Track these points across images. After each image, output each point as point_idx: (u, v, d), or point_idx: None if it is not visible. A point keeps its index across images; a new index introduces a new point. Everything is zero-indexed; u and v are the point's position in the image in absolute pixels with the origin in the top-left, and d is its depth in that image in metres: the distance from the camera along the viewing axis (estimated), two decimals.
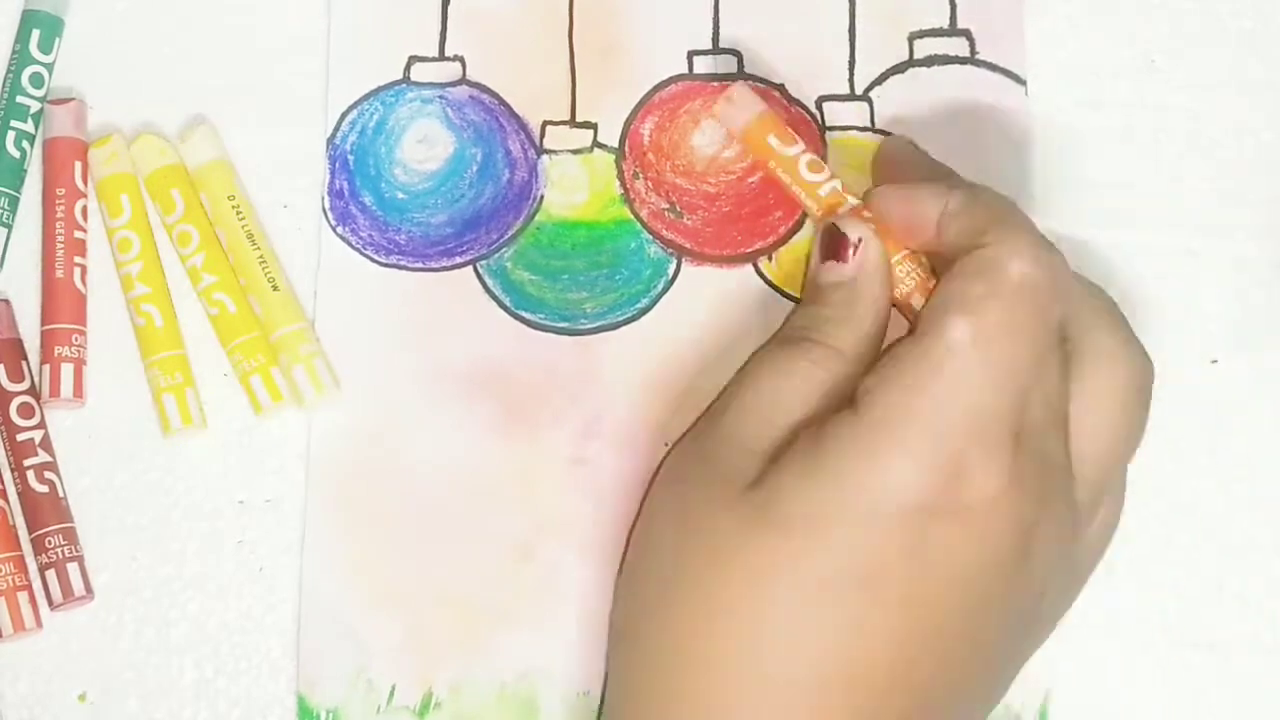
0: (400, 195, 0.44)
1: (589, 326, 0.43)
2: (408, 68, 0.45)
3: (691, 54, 0.45)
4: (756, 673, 0.34)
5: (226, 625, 0.42)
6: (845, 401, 0.36)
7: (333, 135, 0.44)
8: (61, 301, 0.42)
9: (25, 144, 0.43)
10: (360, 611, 0.41)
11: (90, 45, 0.45)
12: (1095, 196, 0.44)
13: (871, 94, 0.44)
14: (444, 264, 0.44)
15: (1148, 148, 0.44)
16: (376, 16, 0.45)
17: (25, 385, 0.42)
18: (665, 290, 0.43)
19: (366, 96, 0.44)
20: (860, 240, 0.38)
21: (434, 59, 0.45)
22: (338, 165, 0.44)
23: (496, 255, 0.44)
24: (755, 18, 0.45)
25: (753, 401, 0.37)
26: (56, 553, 0.41)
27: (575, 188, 0.44)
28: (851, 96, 0.44)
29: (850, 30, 0.45)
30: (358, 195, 0.44)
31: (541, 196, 0.44)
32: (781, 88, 0.44)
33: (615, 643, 0.38)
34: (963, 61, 0.45)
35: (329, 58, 0.44)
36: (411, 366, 0.43)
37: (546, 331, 0.43)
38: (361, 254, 0.44)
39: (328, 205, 0.44)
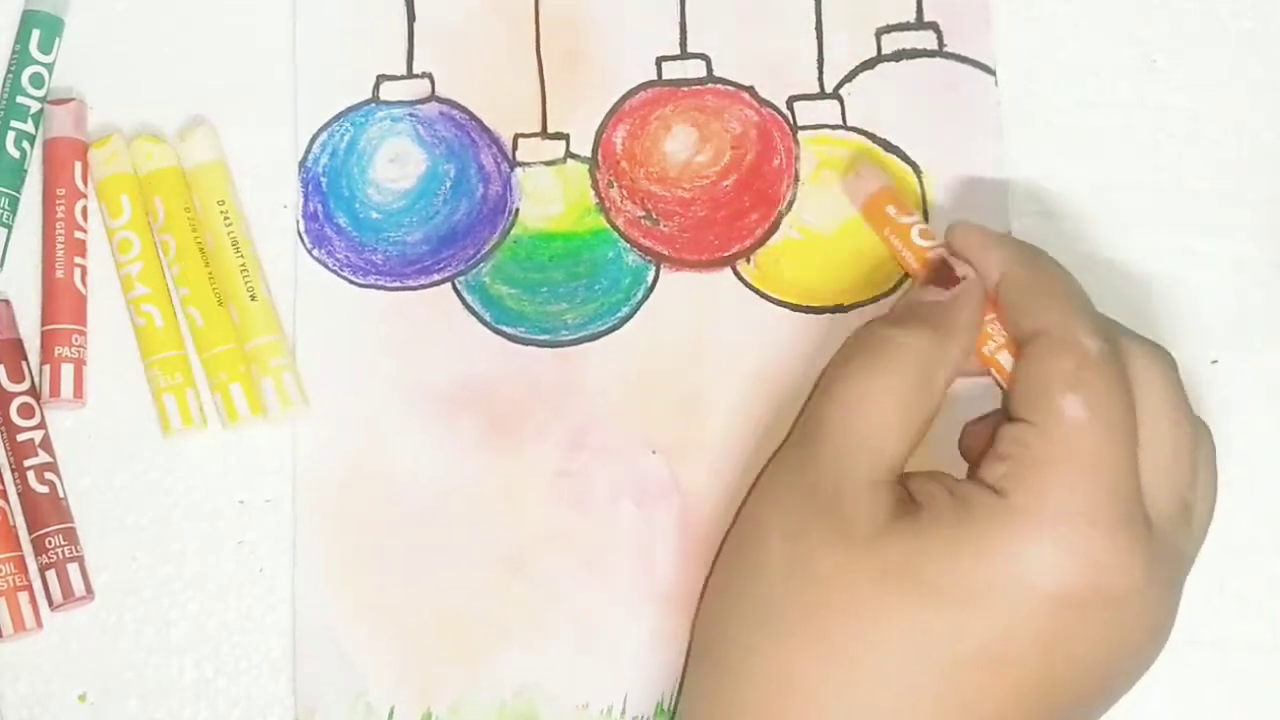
0: (375, 215, 0.44)
1: (570, 338, 0.43)
2: (376, 87, 0.44)
3: (660, 60, 0.45)
4: None
5: (226, 625, 0.42)
6: (933, 410, 0.37)
7: (304, 158, 0.44)
8: (62, 302, 0.42)
9: (25, 144, 0.43)
10: (355, 634, 0.41)
11: (90, 45, 0.45)
12: (1095, 196, 0.44)
13: (842, 91, 0.44)
14: (422, 282, 0.43)
15: (1148, 148, 0.44)
16: (342, 37, 0.45)
17: (25, 385, 0.42)
18: (645, 298, 0.43)
19: (336, 118, 0.44)
20: (965, 276, 0.38)
21: (402, 77, 0.44)
22: (311, 188, 0.44)
23: (474, 271, 0.44)
24: (722, 21, 0.45)
25: (855, 423, 0.36)
26: (57, 553, 0.41)
27: (550, 199, 0.44)
28: (822, 95, 0.44)
29: (817, 28, 0.45)
30: (332, 217, 0.44)
31: (517, 210, 0.44)
32: (751, 89, 0.44)
33: (702, 661, 0.38)
34: (931, 54, 0.45)
35: (296, 81, 0.44)
36: (394, 386, 0.43)
37: (528, 345, 0.43)
38: (339, 275, 0.43)
39: (303, 228, 0.44)
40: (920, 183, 0.44)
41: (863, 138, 0.44)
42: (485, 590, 0.42)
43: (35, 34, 0.43)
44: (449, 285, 0.43)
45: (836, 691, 0.34)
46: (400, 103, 0.44)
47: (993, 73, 0.44)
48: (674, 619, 0.42)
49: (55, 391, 0.42)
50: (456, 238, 0.44)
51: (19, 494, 0.41)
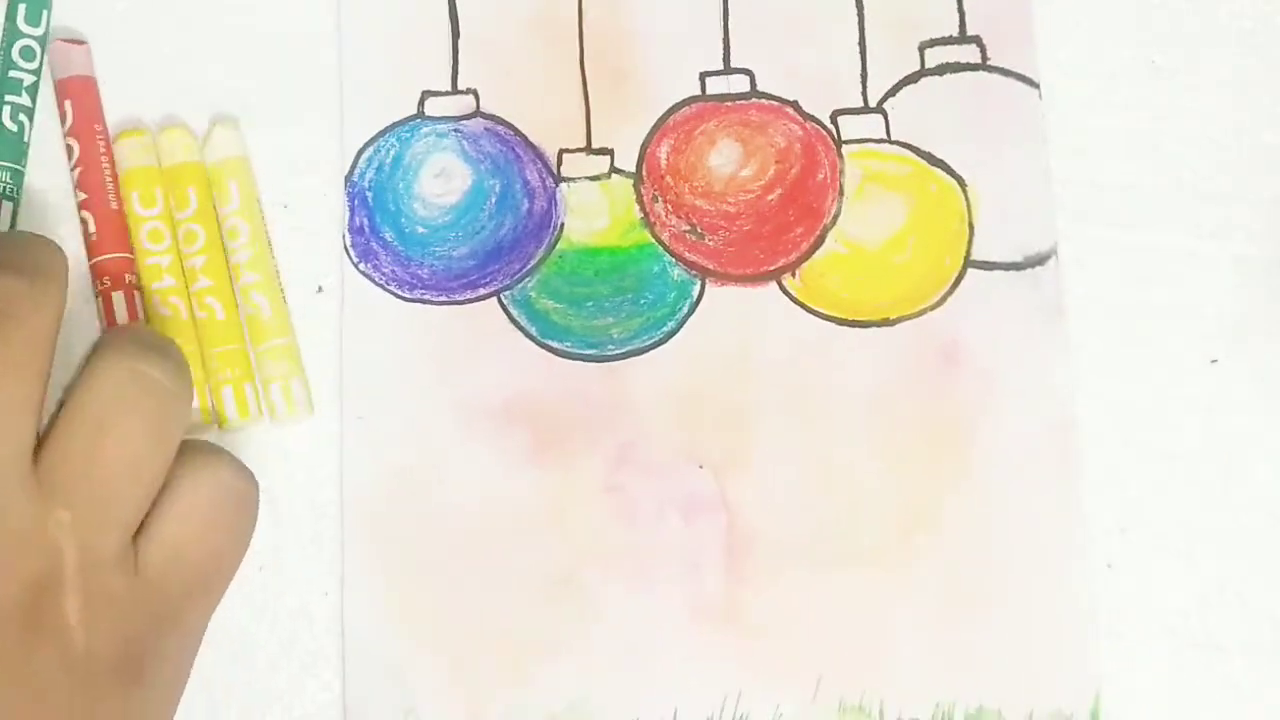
0: (421, 230, 0.44)
1: (616, 352, 0.43)
2: (421, 102, 0.45)
3: (704, 75, 0.45)
4: None
5: (226, 625, 0.42)
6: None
7: (350, 172, 0.44)
8: (119, 230, 0.43)
9: (23, 117, 0.43)
10: (404, 652, 0.41)
11: (131, 62, 0.45)
12: (1096, 196, 0.44)
13: (885, 105, 0.44)
14: (468, 296, 0.43)
15: (1148, 148, 0.44)
16: (387, 53, 0.45)
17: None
18: (690, 312, 0.43)
19: (382, 133, 0.44)
20: None
21: (447, 93, 0.45)
22: (357, 202, 0.44)
23: (520, 285, 0.44)
24: (766, 36, 0.45)
25: None
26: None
27: (595, 214, 0.44)
28: (865, 109, 0.44)
29: (860, 43, 0.45)
30: (378, 231, 0.44)
31: (562, 224, 0.44)
32: (795, 104, 0.44)
33: None
34: (974, 68, 0.45)
35: (342, 96, 0.44)
36: (440, 400, 0.43)
37: (574, 360, 0.43)
38: (385, 289, 0.43)
39: (349, 242, 0.44)
40: (965, 196, 0.44)
41: (907, 151, 0.44)
42: (534, 605, 0.41)
43: (21, 8, 0.43)
44: (495, 300, 0.43)
45: None
46: (445, 118, 0.44)
47: (1036, 86, 0.44)
48: (721, 633, 0.41)
49: (111, 321, 0.42)
50: (502, 253, 0.44)
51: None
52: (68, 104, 0.43)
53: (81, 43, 0.44)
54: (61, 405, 0.37)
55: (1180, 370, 0.43)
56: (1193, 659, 0.42)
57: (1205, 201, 0.44)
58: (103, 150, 0.43)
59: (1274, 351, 0.43)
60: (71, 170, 0.43)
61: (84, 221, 0.43)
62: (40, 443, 0.36)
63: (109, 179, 0.43)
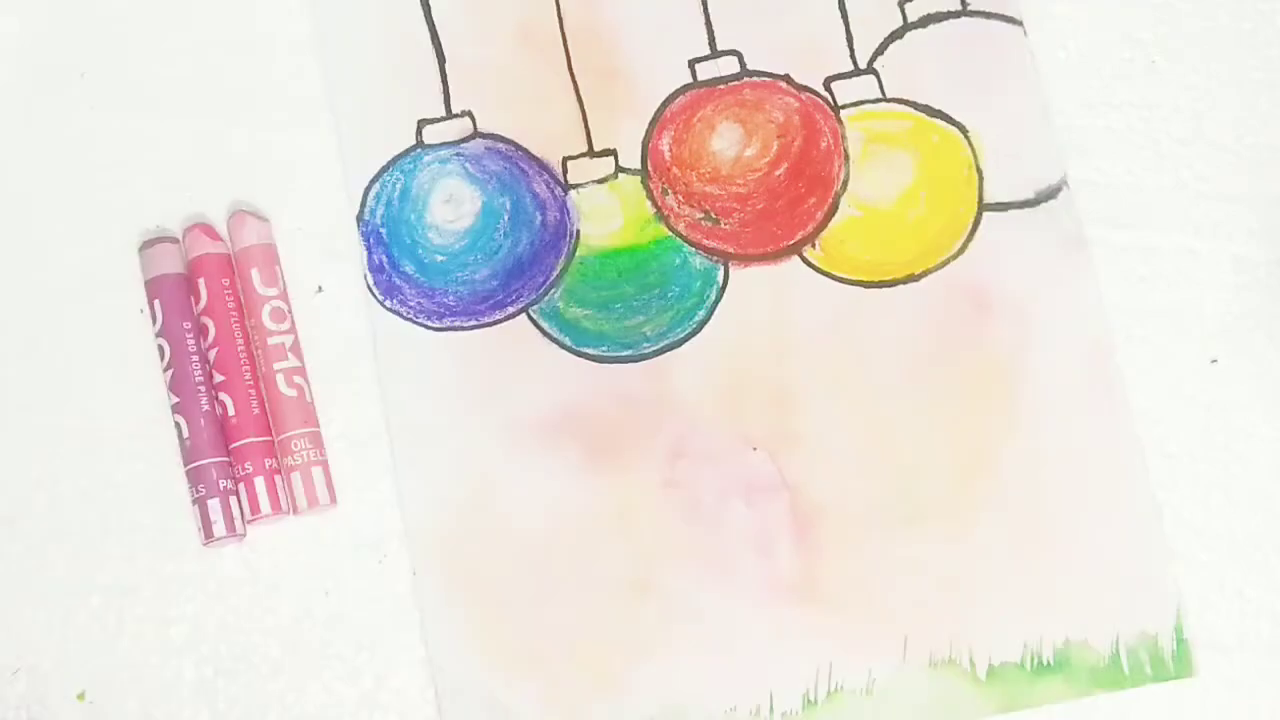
0: (439, 258, 0.44)
1: (652, 349, 0.43)
2: (419, 131, 0.44)
3: (693, 62, 0.45)
4: None
5: (226, 625, 0.42)
6: None
7: (360, 212, 0.44)
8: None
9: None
10: (496, 677, 0.41)
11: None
12: (1096, 197, 0.44)
13: (875, 65, 0.45)
14: (497, 316, 0.43)
15: (1148, 148, 0.45)
16: (374, 87, 0.44)
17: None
18: (719, 298, 0.43)
19: (385, 168, 0.44)
20: None
21: (443, 118, 0.44)
22: (372, 240, 0.44)
23: (547, 298, 0.43)
24: (747, 14, 0.45)
25: None
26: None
27: (608, 216, 0.44)
28: (857, 72, 0.45)
29: (841, 6, 0.45)
30: (398, 266, 0.44)
31: (577, 231, 0.44)
32: (787, 77, 0.45)
33: None
34: (956, 15, 0.45)
35: (340, 138, 0.44)
36: (487, 424, 0.43)
37: (612, 363, 0.43)
38: (414, 323, 0.43)
39: (371, 282, 0.43)
40: (969, 142, 0.44)
41: (905, 107, 0.44)
42: (613, 612, 0.41)
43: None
44: (524, 316, 0.43)
45: None
46: (445, 144, 0.44)
47: (1020, 23, 0.45)
48: (803, 609, 0.42)
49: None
50: (524, 268, 0.44)
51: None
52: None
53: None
54: None
55: (1180, 370, 0.43)
56: (1191, 659, 0.42)
57: (1205, 201, 0.44)
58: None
59: (1274, 351, 0.43)
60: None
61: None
62: None
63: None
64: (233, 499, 0.42)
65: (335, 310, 0.43)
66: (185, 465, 0.42)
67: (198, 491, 0.42)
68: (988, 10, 0.45)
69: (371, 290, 0.43)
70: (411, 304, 0.43)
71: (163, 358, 0.42)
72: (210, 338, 0.42)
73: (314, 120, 0.44)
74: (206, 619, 0.42)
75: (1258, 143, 0.45)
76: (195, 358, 0.42)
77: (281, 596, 0.42)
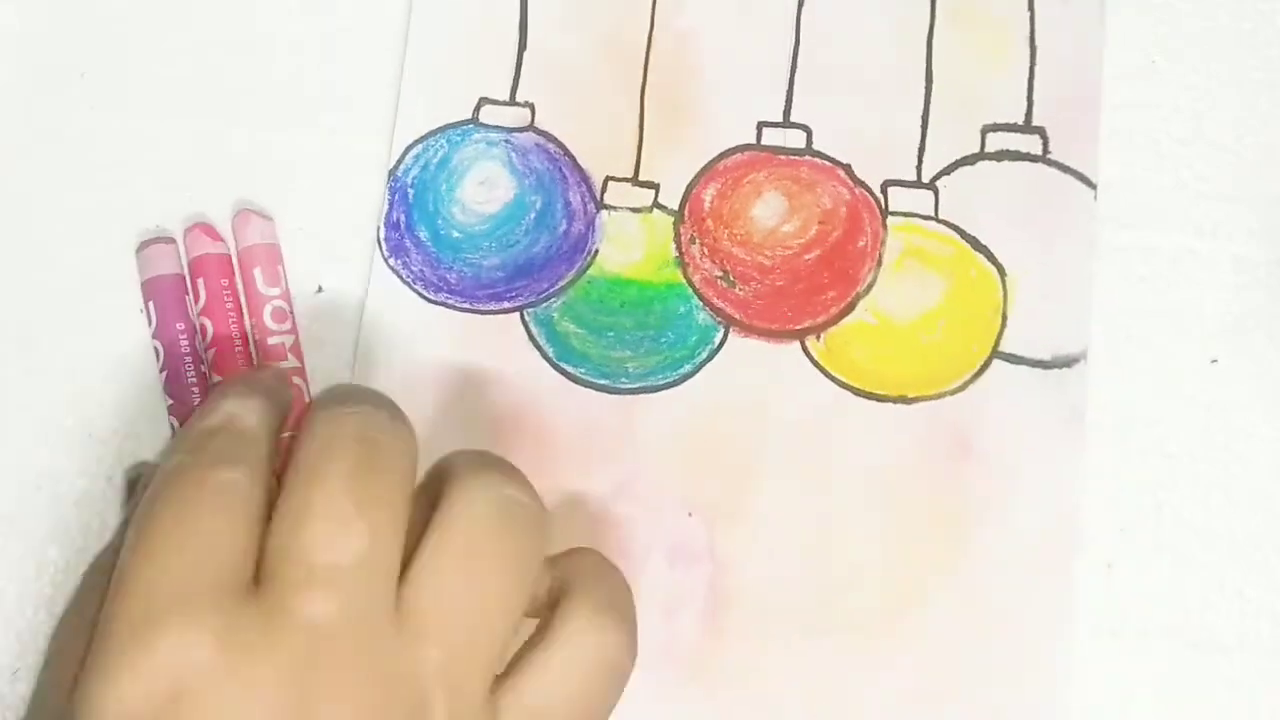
0: (455, 234, 0.44)
1: (629, 386, 0.43)
2: (477, 109, 0.45)
3: (761, 125, 0.44)
4: None
5: None
6: None
7: (395, 167, 0.44)
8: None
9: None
10: None
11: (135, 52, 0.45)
12: (1095, 196, 0.43)
13: (938, 183, 0.44)
14: (491, 307, 0.43)
15: (1148, 148, 0.44)
16: (452, 55, 0.45)
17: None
18: (710, 358, 0.43)
19: (433, 133, 0.44)
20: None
21: (505, 103, 0.45)
22: (397, 197, 0.44)
23: (545, 305, 0.43)
24: (829, 95, 0.45)
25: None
26: None
27: (631, 246, 0.44)
28: (918, 184, 0.44)
29: (924, 116, 0.44)
30: (414, 229, 0.44)
31: (596, 251, 0.44)
32: (848, 167, 0.44)
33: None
34: (1034, 159, 0.44)
35: (400, 90, 0.44)
36: (448, 406, 0.43)
37: (586, 387, 0.43)
38: (410, 288, 0.43)
39: (383, 235, 0.44)
40: (1004, 286, 0.43)
41: (952, 232, 0.44)
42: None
43: (257, 273, 0.43)
44: (517, 315, 0.43)
45: None
46: (499, 128, 0.44)
47: (1094, 186, 0.44)
48: (688, 683, 0.41)
49: None
50: (533, 269, 0.44)
51: None
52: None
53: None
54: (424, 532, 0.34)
55: (1180, 370, 0.42)
56: (1192, 659, 0.41)
57: (1205, 201, 0.44)
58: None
59: (1274, 351, 0.43)
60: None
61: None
62: (402, 574, 0.34)
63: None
64: None
65: (335, 311, 0.44)
66: None
67: None
68: (1066, 164, 0.44)
69: (380, 243, 0.44)
70: (414, 269, 0.44)
71: (157, 358, 0.42)
72: (208, 338, 0.42)
73: (315, 120, 0.44)
74: None
75: (1258, 143, 0.44)
76: (189, 359, 0.42)
77: None
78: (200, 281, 0.43)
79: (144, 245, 0.43)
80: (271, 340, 0.42)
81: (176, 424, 0.42)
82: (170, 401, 0.42)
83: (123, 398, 0.43)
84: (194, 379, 0.42)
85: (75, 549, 0.42)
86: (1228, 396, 0.43)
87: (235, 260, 0.43)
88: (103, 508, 0.42)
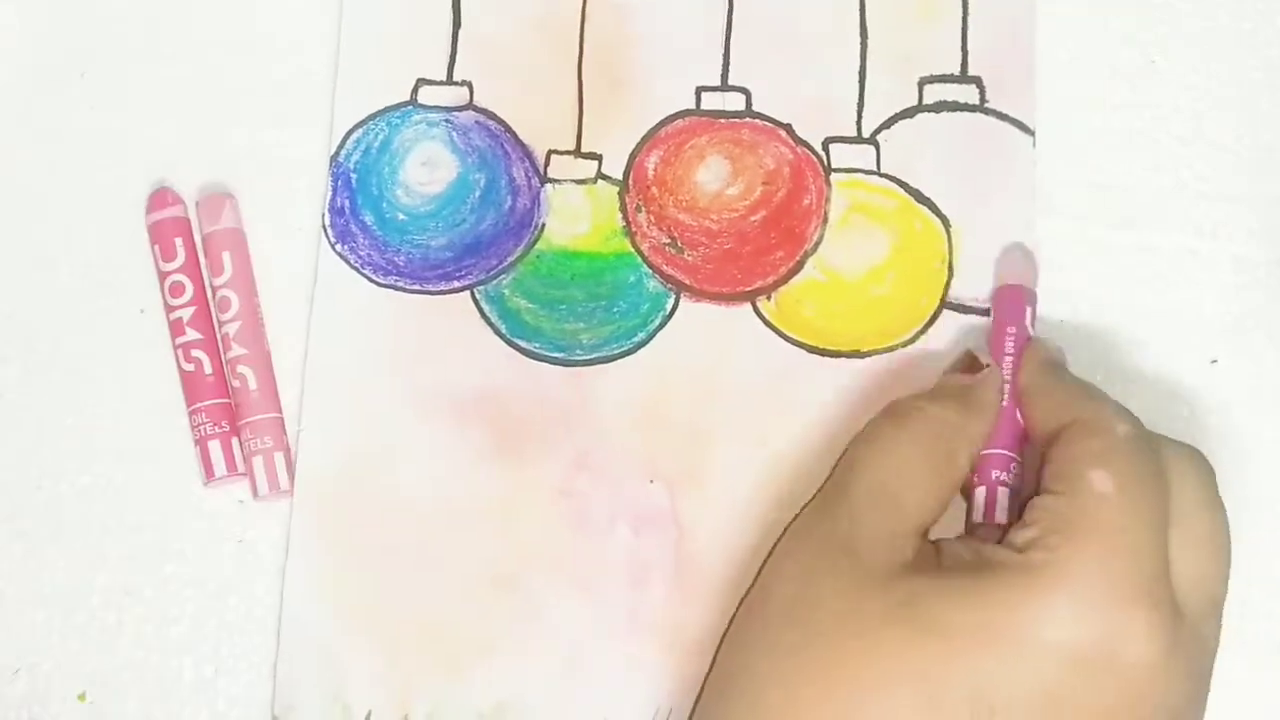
0: (401, 216, 0.44)
1: (584, 358, 0.43)
2: (415, 90, 0.44)
3: (700, 89, 0.45)
4: None
5: (226, 625, 0.42)
6: (955, 479, 0.38)
7: (336, 152, 0.44)
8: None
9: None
10: (340, 635, 0.41)
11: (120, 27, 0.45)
12: (1096, 197, 0.44)
13: (879, 137, 0.44)
14: (441, 288, 0.43)
15: (1148, 148, 0.44)
16: (386, 38, 0.45)
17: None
18: (662, 325, 0.43)
19: (373, 116, 0.44)
20: (989, 366, 0.40)
21: (442, 83, 0.45)
22: (340, 183, 0.44)
23: (495, 282, 0.43)
24: (766, 56, 0.45)
25: (878, 478, 0.37)
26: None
27: (577, 218, 0.44)
28: (858, 139, 0.44)
29: (860, 73, 0.45)
30: (359, 214, 0.44)
31: (543, 225, 0.44)
32: (789, 127, 0.44)
33: (716, 697, 0.37)
34: (972, 109, 0.44)
35: (337, 75, 0.44)
36: (403, 389, 0.43)
37: (541, 361, 0.43)
38: (359, 273, 0.43)
39: (328, 222, 0.44)
40: (948, 236, 0.44)
41: (895, 185, 0.44)
42: (474, 602, 0.41)
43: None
44: (468, 294, 0.43)
45: (826, 717, 0.34)
46: (438, 108, 0.44)
47: (1031, 133, 0.44)
48: (659, 649, 0.41)
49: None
50: (480, 247, 0.44)
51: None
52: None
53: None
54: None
55: (1180, 370, 0.43)
56: None
57: (1205, 201, 0.44)
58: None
59: (1274, 351, 0.43)
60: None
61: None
62: None
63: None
64: (235, 442, 0.43)
65: (286, 299, 0.44)
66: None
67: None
68: (1003, 112, 0.44)
69: (325, 230, 0.44)
70: (361, 254, 0.44)
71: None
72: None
73: (315, 120, 0.44)
74: (206, 619, 0.42)
75: (1258, 143, 0.44)
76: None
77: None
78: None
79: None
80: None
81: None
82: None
83: (123, 397, 0.43)
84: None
85: (75, 549, 0.42)
86: (1228, 396, 0.43)
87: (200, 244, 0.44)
88: (103, 508, 0.42)
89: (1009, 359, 0.40)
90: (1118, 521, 0.35)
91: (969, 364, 0.41)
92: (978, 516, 0.39)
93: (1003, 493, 0.39)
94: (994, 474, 0.39)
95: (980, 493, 0.39)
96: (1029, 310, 0.42)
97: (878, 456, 0.38)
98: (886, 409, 0.39)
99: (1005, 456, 0.39)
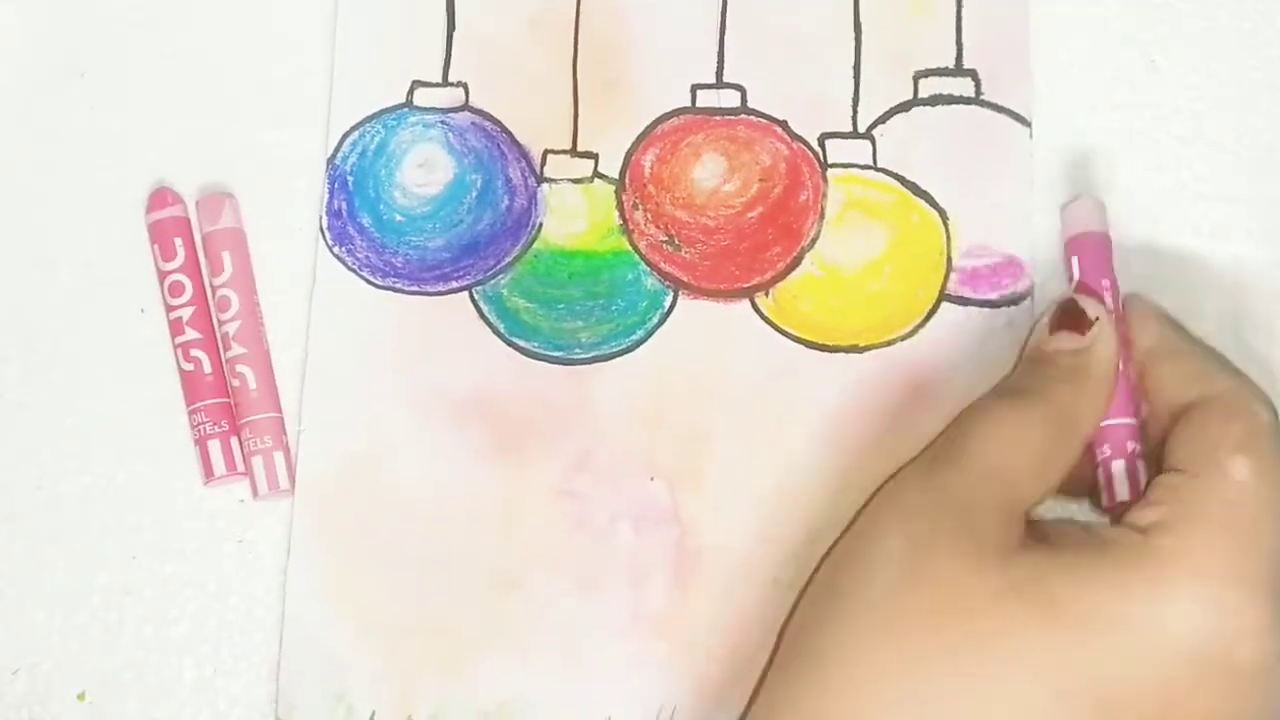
0: (399, 218, 0.44)
1: (583, 357, 0.43)
2: (411, 92, 0.45)
3: (695, 87, 0.45)
4: None
5: (226, 625, 0.42)
6: (1069, 463, 0.36)
7: (333, 155, 0.44)
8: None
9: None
10: (342, 636, 0.41)
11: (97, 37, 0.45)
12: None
13: (874, 132, 0.44)
14: (440, 289, 0.43)
15: (1148, 148, 0.44)
16: (381, 40, 0.45)
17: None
18: (661, 323, 0.43)
19: (369, 119, 0.44)
20: (1097, 319, 0.38)
21: (437, 84, 0.45)
22: (337, 185, 0.44)
23: (493, 282, 0.43)
24: (760, 53, 0.45)
25: (993, 457, 0.36)
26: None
27: (574, 217, 0.44)
28: (854, 134, 0.44)
29: (855, 67, 0.45)
30: (356, 216, 0.44)
31: (540, 224, 0.44)
32: (784, 123, 0.44)
33: (794, 660, 0.36)
34: (967, 101, 0.44)
35: (332, 78, 0.44)
36: (403, 390, 0.43)
37: (540, 360, 0.43)
38: (358, 275, 0.43)
39: (325, 224, 0.44)
40: (946, 229, 0.44)
41: (892, 180, 0.44)
42: (476, 602, 0.41)
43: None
44: (466, 294, 0.43)
45: (937, 700, 0.33)
46: (433, 109, 0.44)
47: (1028, 124, 0.44)
48: (662, 646, 0.41)
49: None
50: (478, 247, 0.44)
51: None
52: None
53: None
54: None
55: None
56: None
57: (1205, 201, 0.44)
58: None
59: (1274, 351, 0.43)
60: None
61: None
62: None
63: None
64: (235, 442, 0.43)
65: (285, 302, 0.44)
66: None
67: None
68: (999, 104, 0.44)
69: (323, 233, 0.44)
70: (359, 256, 0.44)
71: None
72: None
73: (316, 120, 0.44)
74: (206, 619, 0.42)
75: (1258, 143, 0.44)
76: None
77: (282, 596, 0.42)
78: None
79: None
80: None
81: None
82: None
83: (123, 397, 0.43)
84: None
85: (76, 549, 0.42)
86: None
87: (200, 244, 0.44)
88: (103, 508, 0.42)
89: (1110, 316, 0.38)
90: (1253, 511, 0.33)
91: (1073, 318, 0.38)
92: (1122, 494, 0.37)
93: (1141, 466, 0.37)
94: (1129, 445, 0.37)
95: (1119, 467, 0.37)
96: (1074, 260, 0.40)
97: (994, 439, 0.36)
98: (1003, 387, 0.38)
99: (1131, 426, 0.37)
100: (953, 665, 0.33)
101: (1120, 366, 0.38)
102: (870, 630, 0.34)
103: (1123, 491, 0.37)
